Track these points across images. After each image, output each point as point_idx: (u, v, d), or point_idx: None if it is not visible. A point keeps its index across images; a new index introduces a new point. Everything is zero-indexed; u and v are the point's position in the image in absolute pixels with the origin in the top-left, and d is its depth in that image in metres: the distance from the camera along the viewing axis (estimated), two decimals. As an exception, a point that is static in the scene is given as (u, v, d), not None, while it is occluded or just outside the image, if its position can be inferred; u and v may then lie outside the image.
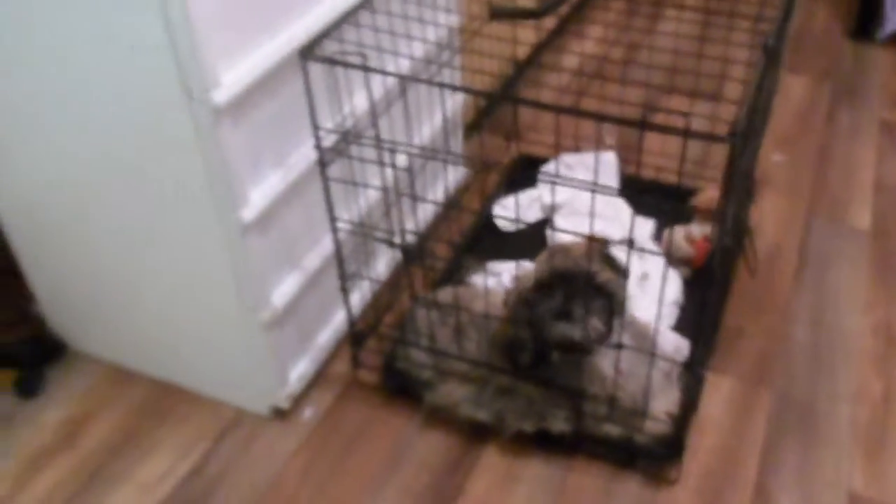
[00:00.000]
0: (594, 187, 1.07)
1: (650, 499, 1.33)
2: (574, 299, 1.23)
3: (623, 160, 1.91)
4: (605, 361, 1.33)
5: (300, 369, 1.43)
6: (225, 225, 1.17)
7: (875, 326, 1.60)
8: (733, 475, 1.36)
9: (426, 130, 1.59)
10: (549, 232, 1.76)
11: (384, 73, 1.06)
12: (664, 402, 1.38)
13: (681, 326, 1.56)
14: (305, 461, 1.38)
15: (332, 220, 1.24)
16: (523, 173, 1.89)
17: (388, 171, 1.23)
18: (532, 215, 1.82)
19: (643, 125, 0.94)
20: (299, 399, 1.46)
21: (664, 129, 0.95)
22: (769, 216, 1.84)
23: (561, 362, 1.33)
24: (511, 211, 1.81)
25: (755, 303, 1.64)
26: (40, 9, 1.05)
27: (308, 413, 1.45)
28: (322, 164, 1.17)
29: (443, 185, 1.73)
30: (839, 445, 1.39)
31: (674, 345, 1.51)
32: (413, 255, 1.28)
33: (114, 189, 1.22)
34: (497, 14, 1.24)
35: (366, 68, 1.03)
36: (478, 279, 1.60)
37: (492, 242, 1.75)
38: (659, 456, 1.35)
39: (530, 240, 1.74)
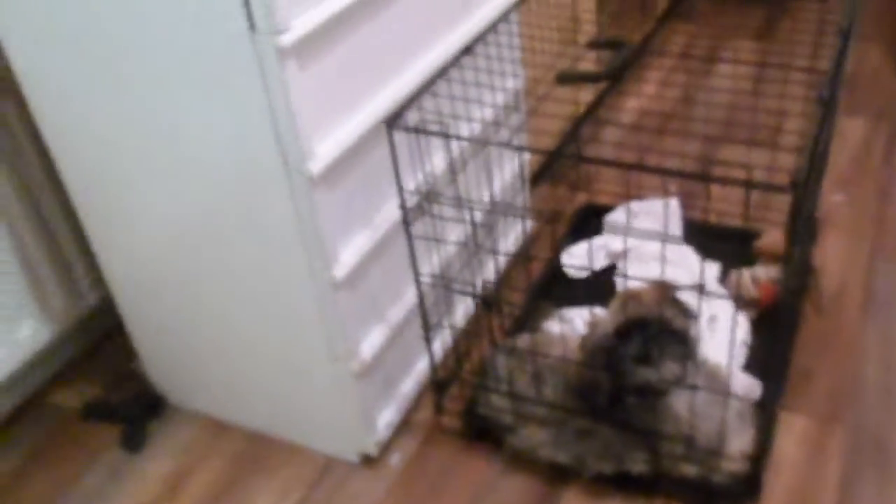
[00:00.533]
0: (660, 236, 1.13)
1: (728, 537, 1.36)
2: (651, 344, 1.29)
3: (686, 206, 1.97)
4: (679, 402, 1.38)
5: (386, 417, 1.51)
6: (318, 282, 1.26)
7: (945, 364, 1.62)
8: (810, 516, 1.39)
9: (496, 185, 1.67)
10: (617, 278, 1.82)
11: (461, 138, 1.15)
12: (739, 442, 1.42)
13: (750, 366, 1.60)
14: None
15: (416, 274, 1.33)
16: (588, 222, 1.96)
17: (467, 226, 1.32)
18: (599, 262, 1.89)
19: (705, 178, 1.01)
20: (386, 446, 1.53)
21: (729, 181, 1.01)
22: (832, 256, 1.87)
23: (637, 405, 1.38)
24: (579, 258, 1.87)
25: (823, 341, 1.68)
26: (155, 86, 1.16)
27: (395, 459, 1.52)
28: (406, 223, 1.26)
29: (514, 236, 1.81)
30: None
31: (745, 385, 1.55)
32: (491, 304, 1.35)
33: (213, 249, 1.32)
34: (564, 79, 1.33)
35: (445, 135, 1.12)
36: (551, 326, 1.66)
37: (562, 289, 1.82)
38: (737, 495, 1.39)
39: (599, 286, 1.80)
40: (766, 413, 1.45)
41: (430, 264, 1.43)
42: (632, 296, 1.40)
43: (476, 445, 1.52)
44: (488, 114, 1.49)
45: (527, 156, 1.78)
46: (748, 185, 0.98)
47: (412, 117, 1.21)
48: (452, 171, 1.25)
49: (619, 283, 1.81)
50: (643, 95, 2.50)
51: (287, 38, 1.03)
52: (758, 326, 1.68)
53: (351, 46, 1.18)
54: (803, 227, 1.20)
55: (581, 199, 2.05)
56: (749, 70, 2.14)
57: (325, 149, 1.16)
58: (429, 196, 1.25)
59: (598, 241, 1.92)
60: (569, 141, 1.96)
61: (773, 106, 1.88)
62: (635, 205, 1.96)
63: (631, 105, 2.47)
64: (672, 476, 1.40)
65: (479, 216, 1.37)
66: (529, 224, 1.94)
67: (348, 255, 1.27)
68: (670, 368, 1.33)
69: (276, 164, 1.14)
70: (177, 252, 1.37)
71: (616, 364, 1.33)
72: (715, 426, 1.37)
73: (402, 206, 1.24)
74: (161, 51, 1.11)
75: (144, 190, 1.30)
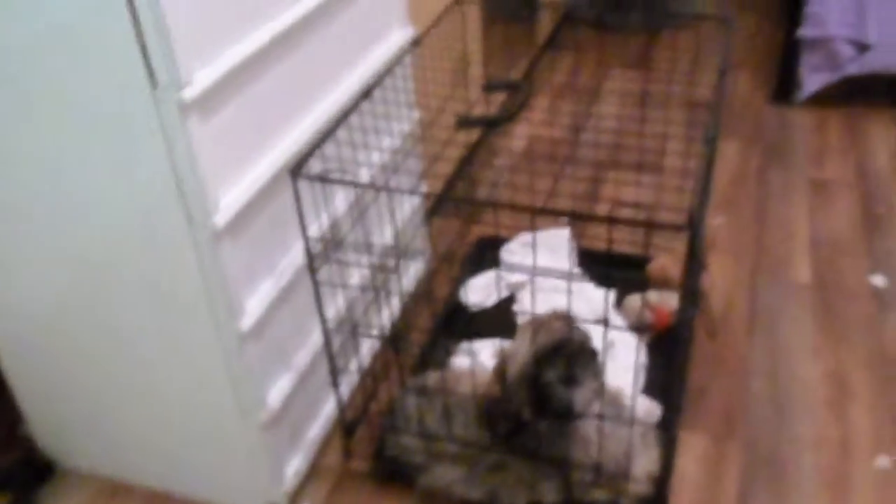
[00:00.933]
0: (557, 272, 1.17)
1: (639, 559, 1.40)
2: (575, 366, 1.32)
3: (577, 233, 2.03)
4: (588, 426, 1.41)
5: (294, 465, 1.48)
6: (223, 335, 1.23)
7: (825, 374, 1.72)
8: (712, 531, 1.45)
9: (395, 226, 1.68)
10: (516, 308, 1.86)
11: (366, 186, 1.15)
12: (644, 464, 1.47)
13: (648, 389, 1.66)
14: (306, 555, 1.43)
15: (323, 320, 1.32)
16: (485, 254, 2.00)
17: (371, 269, 1.32)
18: (499, 294, 1.92)
19: (610, 220, 1.04)
20: (295, 495, 1.50)
21: (631, 223, 1.05)
22: (717, 276, 1.96)
23: (547, 430, 1.41)
24: (479, 292, 1.90)
25: (714, 360, 1.75)
26: (47, 136, 1.11)
27: (304, 507, 1.50)
28: (312, 269, 1.25)
29: (413, 274, 1.82)
30: (807, 493, 1.49)
31: (645, 408, 1.61)
32: (398, 344, 1.35)
33: (107, 306, 1.27)
34: (463, 125, 1.35)
35: (353, 183, 1.12)
36: (457, 361, 1.68)
37: (464, 324, 1.84)
38: (643, 517, 1.44)
39: (499, 317, 1.83)
40: (667, 434, 1.51)
41: (334, 307, 1.42)
42: (540, 324, 1.43)
43: (387, 488, 1.51)
44: (385, 157, 1.50)
45: (423, 188, 1.80)
46: (648, 225, 1.02)
47: (315, 165, 1.21)
48: (355, 216, 1.25)
49: (520, 315, 1.84)
50: (532, 122, 2.56)
51: (189, 93, 1.01)
52: (653, 350, 1.74)
53: (252, 95, 1.16)
54: (697, 258, 1.25)
55: (476, 231, 2.08)
56: (632, 98, 2.23)
57: (230, 200, 1.14)
58: (333, 242, 1.24)
59: (496, 273, 1.95)
60: (460, 176, 1.98)
61: (657, 130, 1.96)
62: (529, 236, 2.00)
63: (520, 132, 2.52)
64: (583, 502, 1.43)
65: (377, 259, 1.37)
66: (428, 261, 1.95)
67: (254, 304, 1.25)
68: (591, 387, 1.36)
69: (178, 219, 1.11)
70: (66, 309, 1.31)
71: (543, 389, 1.35)
72: (621, 449, 1.41)
73: (308, 254, 1.23)
74: (55, 99, 1.06)
75: (34, 235, 1.24)
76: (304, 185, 1.24)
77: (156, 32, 0.96)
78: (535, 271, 1.66)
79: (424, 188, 1.80)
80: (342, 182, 1.13)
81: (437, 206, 1.93)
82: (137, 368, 1.34)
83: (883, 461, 1.53)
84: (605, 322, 1.21)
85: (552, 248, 1.99)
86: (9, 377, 1.48)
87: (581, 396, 1.37)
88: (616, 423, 1.45)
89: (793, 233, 2.11)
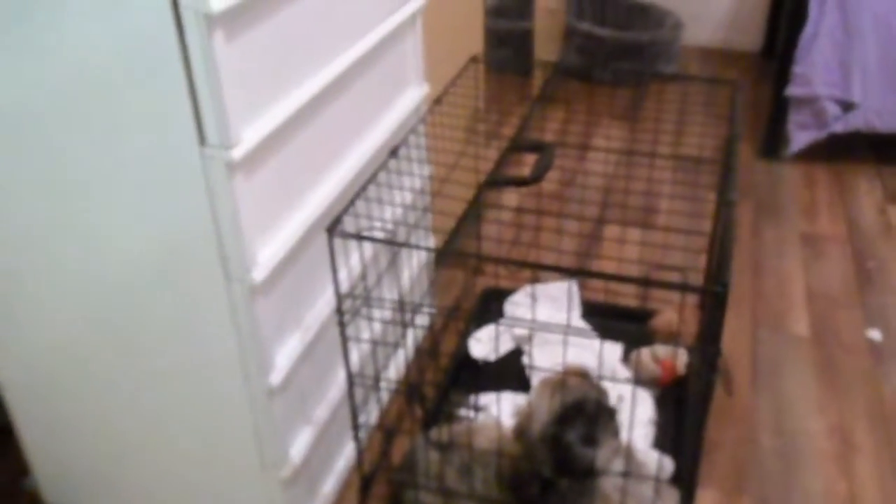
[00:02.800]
0: (562, 327, 1.18)
1: None
2: (596, 425, 1.33)
3: (582, 285, 2.05)
4: (607, 484, 1.42)
5: (310, 521, 1.47)
6: (253, 390, 1.23)
7: (830, 429, 1.74)
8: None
9: (406, 280, 1.69)
10: (524, 361, 1.87)
11: (402, 244, 1.17)
12: (659, 520, 1.48)
13: (659, 443, 1.67)
14: None
15: (350, 375, 1.32)
16: (491, 306, 2.01)
17: (386, 324, 1.32)
18: (505, 346, 1.93)
19: (647, 282, 1.06)
20: (310, 551, 1.49)
21: (666, 285, 1.07)
22: (719, 330, 1.99)
23: (571, 490, 1.41)
24: (485, 344, 1.91)
25: (721, 414, 1.77)
26: (90, 179, 1.10)
27: (320, 564, 1.48)
28: (342, 324, 1.25)
29: (420, 328, 1.82)
30: None
31: (657, 463, 1.62)
32: (416, 396, 1.36)
33: (134, 357, 1.26)
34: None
35: (393, 243, 1.13)
36: (470, 414, 1.68)
37: (471, 376, 1.85)
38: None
39: (507, 369, 1.84)
40: (685, 489, 1.52)
41: (354, 361, 1.43)
42: (558, 382, 1.44)
43: (405, 542, 1.50)
44: (398, 212, 1.52)
45: (431, 243, 1.81)
46: (683, 288, 1.04)
47: (348, 222, 1.22)
48: (381, 271, 1.26)
49: (530, 369, 1.85)
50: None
51: (237, 152, 1.02)
52: (661, 404, 1.76)
53: (289, 153, 1.18)
54: (720, 319, 1.27)
55: (482, 283, 2.09)
56: (620, 157, 2.29)
57: (266, 257, 1.15)
58: (365, 299, 1.25)
59: (501, 325, 1.96)
60: (466, 231, 2.01)
61: (646, 188, 2.00)
62: (535, 288, 2.02)
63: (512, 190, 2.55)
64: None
65: (421, 320, 1.37)
66: (435, 314, 1.96)
67: (283, 359, 1.25)
68: (612, 446, 1.37)
69: (216, 274, 1.12)
70: (86, 359, 1.30)
71: (565, 449, 1.36)
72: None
73: (339, 311, 1.23)
74: (100, 151, 1.06)
75: (57, 290, 1.23)
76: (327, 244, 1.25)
77: (209, 91, 0.97)
78: (534, 324, 1.68)
79: (433, 242, 1.82)
80: (375, 240, 1.14)
81: (442, 258, 1.94)
82: (157, 421, 1.33)
83: (890, 515, 1.56)
84: (632, 381, 1.23)
85: (555, 299, 2.01)
86: (16, 424, 1.46)
87: (602, 455, 1.38)
88: (637, 479, 1.47)
89: (789, 286, 2.15)
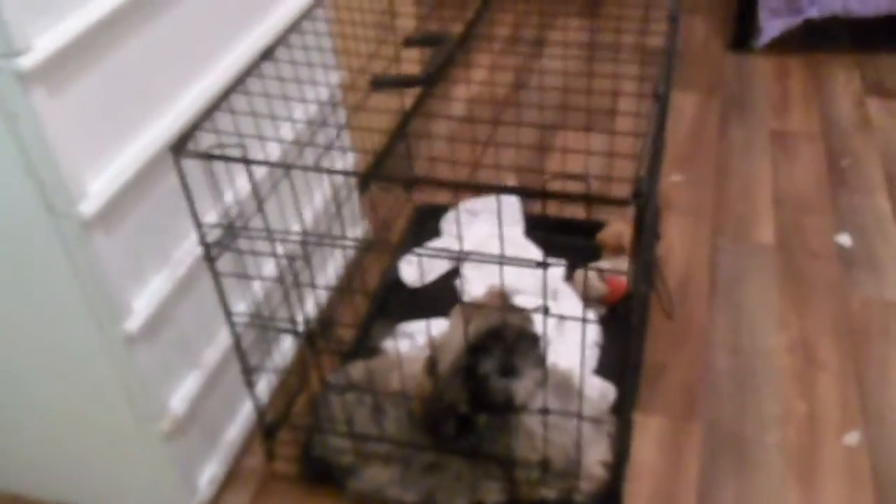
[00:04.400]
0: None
1: (593, 560, 1.28)
2: (514, 354, 1.18)
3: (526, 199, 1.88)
4: (532, 418, 1.28)
5: (210, 472, 1.33)
6: (108, 339, 1.07)
7: (791, 345, 1.60)
8: (674, 524, 1.33)
9: (318, 199, 1.52)
10: (458, 284, 1.71)
11: (266, 163, 0.99)
12: (597, 452, 1.34)
13: (603, 368, 1.53)
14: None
15: (228, 314, 1.16)
16: (426, 225, 1.84)
17: (281, 257, 1.16)
18: (440, 267, 1.77)
19: (545, 195, 0.90)
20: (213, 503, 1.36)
21: (571, 197, 0.91)
22: (675, 239, 1.83)
23: (489, 426, 1.27)
24: (417, 268, 1.75)
25: (672, 335, 1.62)
26: None
27: (225, 518, 1.36)
28: (210, 259, 1.09)
29: (343, 253, 1.66)
30: (772, 473, 1.37)
31: (599, 390, 1.48)
32: (317, 341, 1.20)
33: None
34: (379, 85, 1.19)
35: (246, 161, 0.96)
36: (391, 344, 1.53)
37: (403, 302, 1.69)
38: (598, 513, 1.32)
39: (441, 294, 1.69)
40: (622, 418, 1.38)
41: (244, 300, 1.27)
42: (472, 310, 1.28)
43: (317, 490, 1.38)
44: (298, 129, 1.33)
45: (350, 159, 1.63)
46: (588, 198, 0.88)
47: (206, 140, 1.04)
48: (258, 198, 1.08)
49: (460, 290, 1.70)
50: (473, 83, 2.39)
51: (28, 61, 0.84)
52: (607, 324, 1.61)
53: (120, 63, 0.99)
54: (649, 234, 1.11)
55: (415, 200, 1.92)
56: (580, 50, 2.07)
57: (99, 186, 0.98)
58: (233, 229, 1.09)
59: (437, 243, 1.80)
60: (397, 140, 1.82)
61: (606, 87, 1.81)
62: (474, 203, 1.85)
63: (461, 94, 2.35)
64: (531, 501, 1.30)
65: (295, 247, 1.21)
66: (362, 229, 1.79)
67: (143, 303, 1.09)
68: (533, 376, 1.22)
69: (36, 207, 0.95)
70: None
71: (479, 381, 1.21)
72: (570, 439, 1.28)
73: (203, 243, 1.07)
74: None
75: None
76: (197, 165, 1.08)
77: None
78: (461, 252, 1.52)
79: (351, 160, 1.64)
80: (233, 159, 0.97)
81: (366, 182, 1.77)
82: (21, 379, 1.18)
83: (851, 437, 1.42)
84: (545, 310, 1.07)
85: (496, 214, 1.84)
86: None
87: (522, 387, 1.23)
88: (563, 414, 1.32)
89: (755, 190, 1.98)
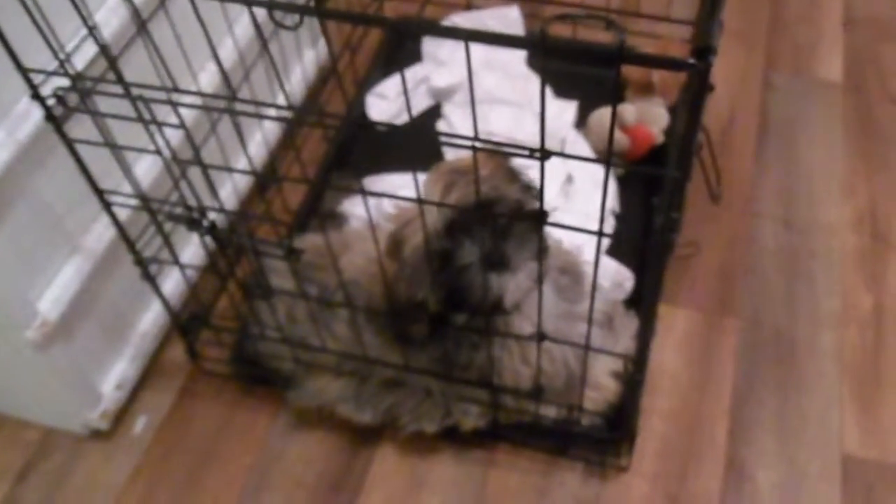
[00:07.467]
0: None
1: (595, 495, 1.03)
2: (505, 240, 0.87)
3: (528, 15, 1.48)
4: (523, 319, 0.96)
5: (118, 373, 1.08)
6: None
7: (857, 218, 1.29)
8: (698, 449, 1.07)
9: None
10: (440, 128, 1.35)
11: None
12: (606, 359, 1.05)
13: (619, 245, 1.20)
14: (145, 489, 1.04)
15: (98, 192, 0.83)
16: (403, 46, 1.46)
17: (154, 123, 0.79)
18: (419, 103, 1.40)
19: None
20: (125, 410, 1.09)
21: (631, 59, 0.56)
22: (719, 74, 1.45)
23: (465, 330, 0.96)
24: (391, 102, 1.39)
25: (706, 202, 1.28)
26: None
27: (141, 424, 1.10)
28: (53, 119, 0.73)
29: (287, 82, 1.29)
30: (826, 389, 1.12)
31: (612, 277, 1.16)
32: (224, 239, 0.87)
33: None
34: None
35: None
36: (352, 209, 1.20)
37: (369, 150, 1.34)
38: (605, 440, 1.04)
39: (419, 138, 1.32)
40: (642, 318, 1.06)
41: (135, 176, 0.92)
42: (458, 171, 0.93)
43: (252, 394, 1.12)
44: None
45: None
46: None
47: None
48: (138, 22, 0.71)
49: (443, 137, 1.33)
50: None
51: None
52: (626, 187, 1.27)
53: None
54: (700, 91, 0.75)
55: (390, 9, 1.51)
56: None
57: None
58: (80, 81, 0.73)
59: (416, 72, 1.43)
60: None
61: None
62: (463, 17, 1.46)
63: None
64: (520, 424, 1.03)
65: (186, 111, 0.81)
66: (319, 53, 1.41)
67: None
68: (530, 271, 0.90)
69: None
70: None
71: (458, 273, 0.88)
72: (573, 349, 0.97)
73: (37, 96, 0.71)
74: None
75: None
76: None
77: None
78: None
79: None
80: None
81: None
82: None
83: (929, 342, 1.14)
84: (542, 153, 0.72)
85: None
86: None
87: (514, 285, 0.90)
88: (567, 304, 1.01)
89: (821, 10, 1.59)
